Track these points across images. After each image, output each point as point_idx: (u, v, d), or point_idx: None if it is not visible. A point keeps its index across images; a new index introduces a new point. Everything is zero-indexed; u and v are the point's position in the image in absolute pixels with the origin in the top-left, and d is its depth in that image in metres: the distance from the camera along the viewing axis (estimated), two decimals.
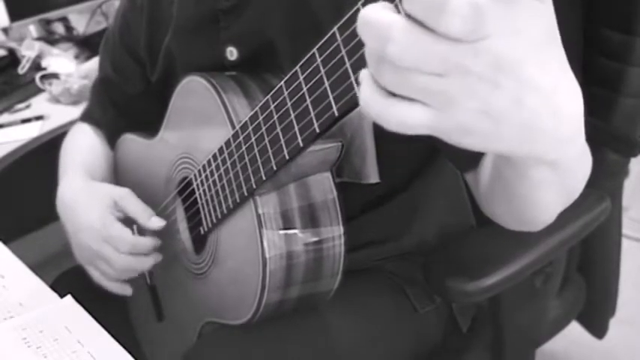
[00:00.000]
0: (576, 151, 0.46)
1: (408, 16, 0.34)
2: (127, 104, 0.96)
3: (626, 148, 0.89)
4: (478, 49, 0.34)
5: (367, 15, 0.35)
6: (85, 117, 1.02)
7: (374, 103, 0.37)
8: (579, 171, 0.54)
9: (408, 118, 0.36)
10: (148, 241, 0.81)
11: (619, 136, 0.87)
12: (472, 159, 0.66)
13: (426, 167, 0.84)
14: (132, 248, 0.80)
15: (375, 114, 0.37)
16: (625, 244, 1.06)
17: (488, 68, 0.35)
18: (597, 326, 1.11)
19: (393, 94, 0.36)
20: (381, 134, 0.72)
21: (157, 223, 0.81)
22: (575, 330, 1.11)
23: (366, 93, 0.37)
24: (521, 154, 0.43)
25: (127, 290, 0.86)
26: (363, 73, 0.38)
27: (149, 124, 0.89)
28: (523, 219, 0.64)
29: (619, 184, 0.97)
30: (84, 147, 0.97)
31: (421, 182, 0.84)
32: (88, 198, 0.85)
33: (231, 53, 0.76)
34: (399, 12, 0.35)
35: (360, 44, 0.41)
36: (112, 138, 0.99)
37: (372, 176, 0.75)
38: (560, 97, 0.39)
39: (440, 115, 0.36)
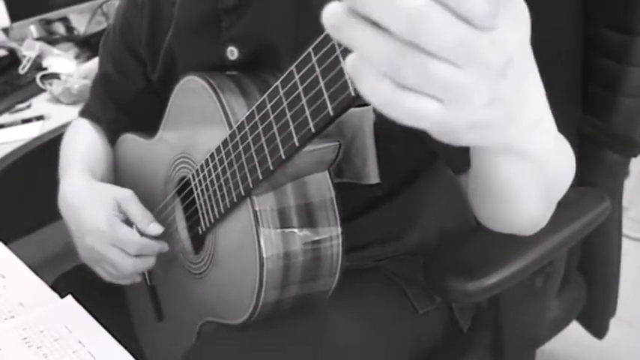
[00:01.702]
0: (546, 141, 0.47)
1: None
2: (128, 102, 0.96)
3: (626, 148, 0.89)
4: (495, 39, 0.34)
5: None
6: (85, 113, 1.02)
7: (380, 92, 0.34)
8: (557, 166, 0.54)
9: (417, 110, 0.35)
10: (155, 244, 0.82)
11: (619, 136, 0.87)
12: (464, 159, 0.65)
13: (426, 167, 0.84)
14: (140, 250, 0.81)
15: (380, 103, 0.35)
16: (625, 244, 1.05)
17: (503, 59, 0.35)
18: (597, 326, 1.11)
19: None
20: (382, 135, 0.72)
21: (155, 230, 0.82)
22: (575, 330, 1.11)
23: (371, 81, 0.34)
24: (497, 144, 0.43)
25: (135, 279, 0.87)
26: (359, 60, 0.35)
27: (149, 122, 0.89)
28: (507, 220, 0.63)
29: (619, 184, 0.97)
30: (84, 144, 0.97)
31: (421, 183, 0.84)
32: (91, 199, 0.85)
33: (232, 53, 0.76)
34: None
35: None
36: (112, 135, 0.99)
37: (373, 177, 0.75)
38: (529, 83, 0.41)
39: (452, 110, 0.35)
